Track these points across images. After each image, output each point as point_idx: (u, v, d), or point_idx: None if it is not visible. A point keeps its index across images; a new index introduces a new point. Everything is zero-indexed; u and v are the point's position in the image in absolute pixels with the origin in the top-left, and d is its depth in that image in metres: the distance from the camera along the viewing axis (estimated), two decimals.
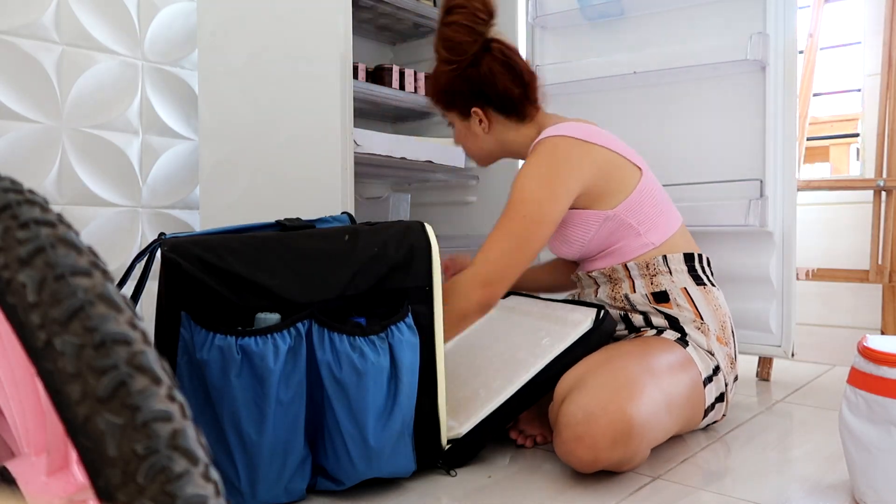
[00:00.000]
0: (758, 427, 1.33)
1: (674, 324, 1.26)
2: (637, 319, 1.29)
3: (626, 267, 1.30)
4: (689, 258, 1.30)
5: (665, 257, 1.28)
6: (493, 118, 1.37)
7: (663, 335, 1.25)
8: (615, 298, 1.32)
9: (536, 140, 1.30)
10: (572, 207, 1.28)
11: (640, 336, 1.27)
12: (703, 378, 1.19)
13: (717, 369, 1.23)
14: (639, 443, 1.02)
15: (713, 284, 1.32)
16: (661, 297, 1.27)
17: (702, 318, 1.26)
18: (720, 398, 1.25)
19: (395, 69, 1.83)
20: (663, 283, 1.27)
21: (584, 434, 1.00)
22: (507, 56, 1.32)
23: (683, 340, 1.23)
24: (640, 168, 1.31)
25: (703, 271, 1.31)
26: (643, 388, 1.06)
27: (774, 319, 1.63)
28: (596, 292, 1.36)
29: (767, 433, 1.30)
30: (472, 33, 1.31)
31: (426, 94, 1.43)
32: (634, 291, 1.29)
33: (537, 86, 1.37)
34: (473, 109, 1.35)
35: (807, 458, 1.16)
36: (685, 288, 1.27)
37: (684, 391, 1.15)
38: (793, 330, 1.62)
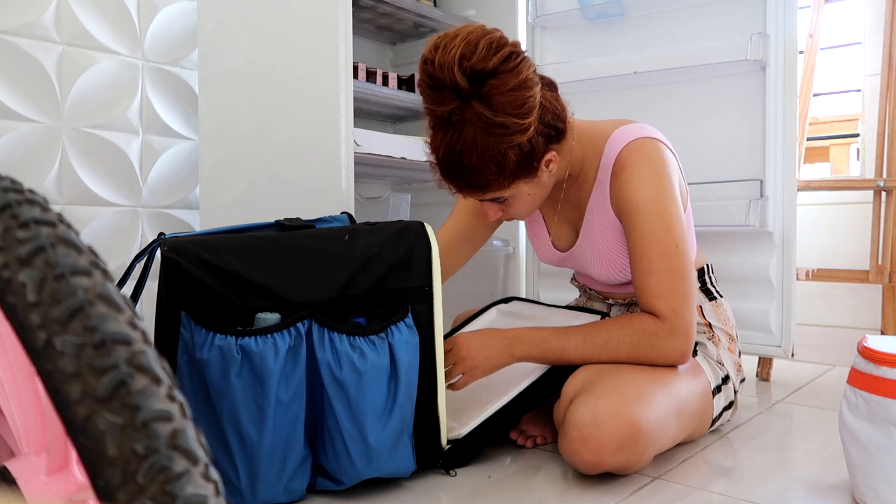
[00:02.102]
0: (758, 427, 1.33)
1: None
2: None
3: None
4: (700, 273, 1.29)
5: None
6: (558, 151, 1.13)
7: None
8: None
9: (628, 144, 1.14)
10: None
11: None
12: (711, 388, 1.19)
13: (726, 378, 1.23)
14: (644, 449, 1.02)
15: (720, 295, 1.31)
16: None
17: (712, 331, 1.26)
18: (728, 406, 1.25)
19: (379, 73, 1.83)
20: None
21: (590, 436, 0.99)
22: (534, 71, 1.05)
23: (693, 351, 1.21)
24: (687, 199, 1.21)
25: (712, 283, 1.31)
26: (653, 396, 1.05)
27: (774, 319, 1.63)
28: (609, 309, 1.35)
29: (767, 433, 1.30)
30: (526, 66, 1.02)
31: (470, 191, 1.10)
32: None
33: (558, 92, 1.16)
34: (549, 157, 1.10)
35: (807, 458, 1.16)
36: (700, 306, 1.27)
37: (693, 401, 1.14)
38: (793, 330, 1.62)
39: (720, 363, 1.23)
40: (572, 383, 1.10)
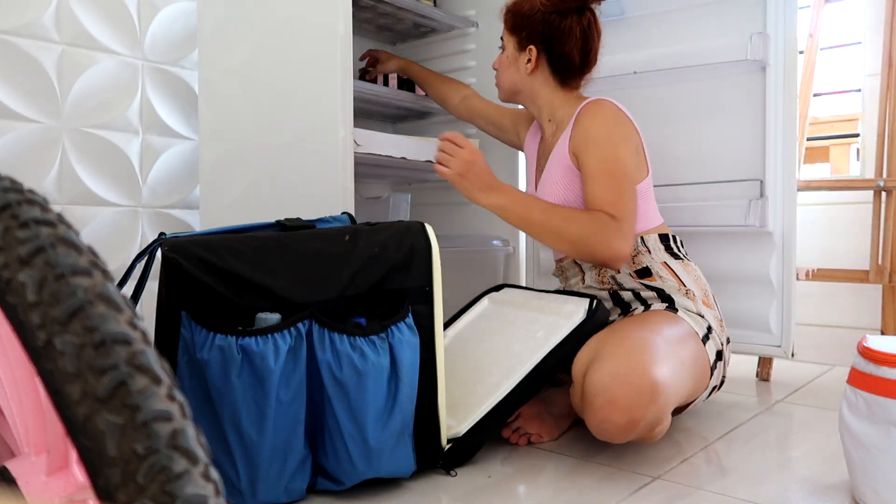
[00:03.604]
0: (758, 427, 1.33)
1: (660, 294, 1.32)
2: (626, 296, 1.35)
3: None
4: (664, 238, 1.37)
5: (642, 238, 1.35)
6: (540, 66, 1.41)
7: (652, 307, 1.30)
8: (602, 281, 1.37)
9: (590, 100, 1.37)
10: None
11: (632, 314, 1.31)
12: (700, 337, 1.24)
13: (710, 328, 1.27)
14: (666, 399, 1.05)
15: (689, 260, 1.38)
16: (644, 272, 1.34)
17: (685, 286, 1.31)
18: (718, 356, 1.28)
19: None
20: (644, 260, 1.34)
21: (615, 397, 1.03)
22: (590, 29, 1.38)
23: (673, 308, 1.28)
24: (648, 168, 1.38)
25: (679, 249, 1.38)
26: (658, 349, 1.10)
27: (774, 319, 1.63)
28: (583, 279, 1.41)
29: (767, 433, 1.30)
30: None
31: (506, 7, 1.43)
32: (619, 272, 1.35)
33: (592, 70, 1.44)
34: (530, 47, 1.39)
35: (807, 458, 1.16)
36: (665, 262, 1.34)
37: (691, 352, 1.20)
38: (793, 330, 1.62)
39: (700, 315, 1.28)
40: (580, 361, 1.14)
